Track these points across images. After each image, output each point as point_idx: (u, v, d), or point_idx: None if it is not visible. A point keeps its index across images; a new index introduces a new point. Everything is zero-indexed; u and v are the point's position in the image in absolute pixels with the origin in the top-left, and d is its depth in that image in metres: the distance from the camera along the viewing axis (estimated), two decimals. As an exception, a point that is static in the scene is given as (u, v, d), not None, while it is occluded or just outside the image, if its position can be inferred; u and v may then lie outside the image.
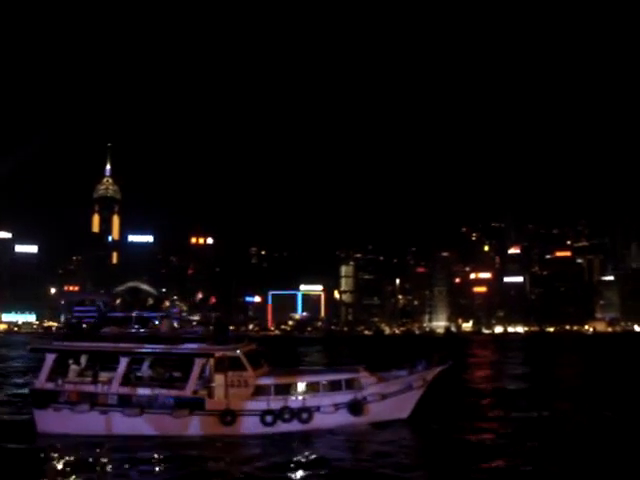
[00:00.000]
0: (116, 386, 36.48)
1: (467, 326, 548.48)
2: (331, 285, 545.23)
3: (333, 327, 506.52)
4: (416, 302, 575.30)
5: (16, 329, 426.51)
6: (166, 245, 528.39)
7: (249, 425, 35.70)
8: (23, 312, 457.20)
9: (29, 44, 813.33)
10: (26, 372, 73.33)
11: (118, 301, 42.17)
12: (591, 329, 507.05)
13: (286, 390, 36.77)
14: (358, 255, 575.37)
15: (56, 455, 32.12)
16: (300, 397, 36.52)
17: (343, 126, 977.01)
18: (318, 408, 36.33)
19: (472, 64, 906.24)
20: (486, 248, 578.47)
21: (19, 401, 47.67)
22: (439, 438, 36.22)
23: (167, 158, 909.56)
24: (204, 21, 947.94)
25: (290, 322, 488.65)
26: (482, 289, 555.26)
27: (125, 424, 35.70)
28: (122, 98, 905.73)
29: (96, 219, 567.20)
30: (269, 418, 35.71)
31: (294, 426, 35.89)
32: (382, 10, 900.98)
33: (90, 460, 31.15)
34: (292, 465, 29.63)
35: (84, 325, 40.41)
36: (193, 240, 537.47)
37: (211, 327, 41.34)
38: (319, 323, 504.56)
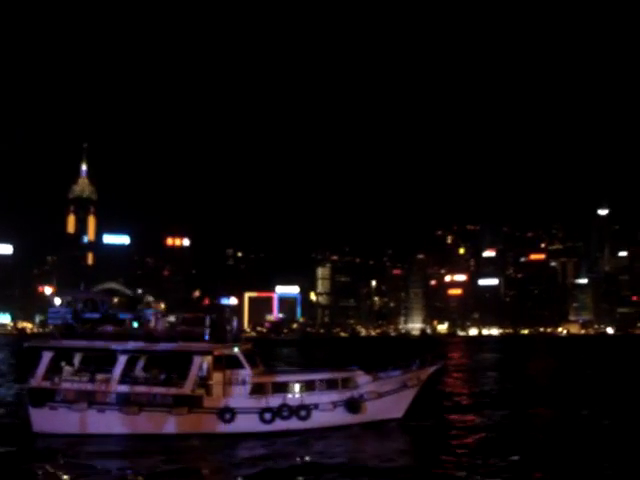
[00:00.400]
0: (114, 384, 36.28)
1: (442, 328, 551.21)
2: (307, 287, 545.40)
3: (309, 329, 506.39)
4: (392, 304, 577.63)
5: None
6: (142, 246, 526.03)
7: (248, 423, 35.77)
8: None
9: (2, 44, 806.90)
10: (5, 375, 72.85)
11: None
12: (565, 331, 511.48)
13: (284, 388, 36.91)
14: (334, 257, 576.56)
15: (53, 455, 31.71)
16: (298, 395, 36.71)
17: (320, 130, 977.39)
18: (316, 406, 36.59)
19: (446, 68, 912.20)
20: (461, 251, 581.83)
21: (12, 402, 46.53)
22: (431, 437, 36.68)
23: (144, 159, 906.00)
24: (179, 20, 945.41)
25: (266, 324, 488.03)
26: (457, 291, 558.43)
27: (123, 423, 35.61)
28: (99, 98, 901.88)
29: (71, 219, 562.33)
30: (268, 415, 35.87)
31: (292, 424, 36.11)
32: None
33: (87, 460, 30.93)
34: (290, 465, 29.72)
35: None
36: (169, 241, 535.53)
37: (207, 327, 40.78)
38: (294, 325, 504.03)
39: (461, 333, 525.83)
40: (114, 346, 37.10)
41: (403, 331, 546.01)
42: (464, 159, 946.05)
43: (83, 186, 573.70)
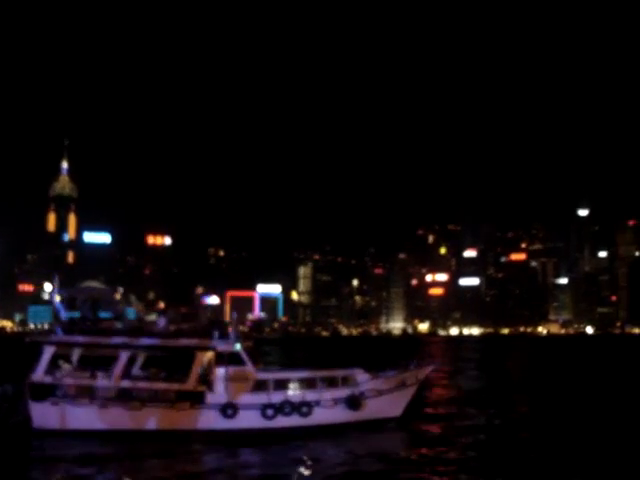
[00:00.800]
0: (116, 380, 36.02)
1: (423, 327, 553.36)
2: (289, 286, 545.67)
3: (290, 328, 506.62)
4: (373, 303, 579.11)
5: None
6: (123, 245, 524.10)
7: (250, 419, 35.88)
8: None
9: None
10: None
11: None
12: (545, 331, 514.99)
13: (285, 385, 37.02)
14: (316, 256, 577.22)
15: (55, 451, 31.57)
16: (299, 391, 36.83)
17: (301, 129, 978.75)
18: (318, 402, 36.72)
19: (424, 69, 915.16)
20: (442, 250, 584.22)
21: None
22: (427, 436, 36.98)
23: (125, 157, 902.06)
24: (160, 16, 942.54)
25: (247, 322, 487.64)
26: (438, 291, 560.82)
27: (125, 418, 35.41)
28: (80, 95, 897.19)
29: (52, 218, 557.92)
30: (270, 412, 35.96)
31: (294, 420, 36.25)
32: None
33: (90, 455, 30.77)
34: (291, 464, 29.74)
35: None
36: (150, 240, 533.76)
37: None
38: (276, 324, 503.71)
39: (442, 332, 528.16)
40: (114, 342, 37.05)
41: (384, 330, 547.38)
42: (446, 159, 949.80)
43: (64, 184, 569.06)
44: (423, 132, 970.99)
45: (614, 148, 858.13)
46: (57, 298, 38.51)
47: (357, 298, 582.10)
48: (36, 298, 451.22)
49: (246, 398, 36.14)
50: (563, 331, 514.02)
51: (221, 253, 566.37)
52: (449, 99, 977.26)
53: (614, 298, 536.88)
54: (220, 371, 36.40)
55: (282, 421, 36.10)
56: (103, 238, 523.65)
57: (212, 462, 30.70)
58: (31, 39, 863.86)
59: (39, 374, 36.42)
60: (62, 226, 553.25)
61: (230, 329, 38.67)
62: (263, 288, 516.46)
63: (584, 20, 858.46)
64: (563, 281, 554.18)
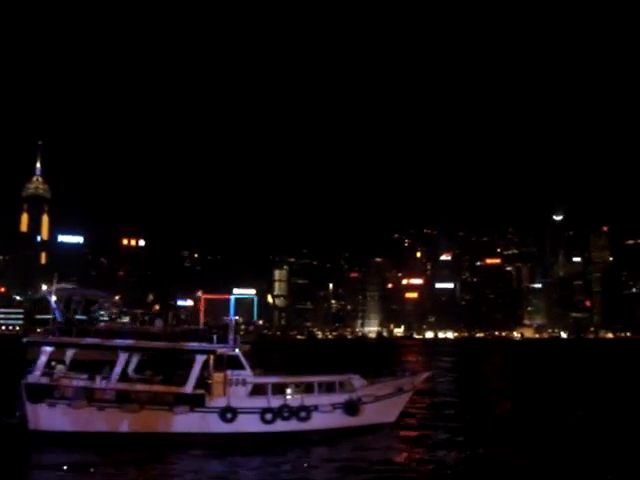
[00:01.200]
0: (114, 382, 35.70)
1: (399, 331, 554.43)
2: (264, 289, 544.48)
3: (265, 331, 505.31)
4: (349, 307, 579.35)
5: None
6: (97, 246, 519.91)
7: (249, 423, 35.65)
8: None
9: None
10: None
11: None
12: (519, 335, 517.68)
13: (283, 389, 36.95)
14: (292, 259, 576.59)
15: (50, 454, 31.15)
16: (298, 396, 36.75)
17: (277, 133, 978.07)
18: (316, 407, 36.68)
19: (400, 73, 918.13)
20: (418, 254, 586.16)
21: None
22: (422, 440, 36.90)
23: (99, 158, 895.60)
24: (135, 15, 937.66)
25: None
26: (414, 295, 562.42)
27: (124, 421, 34.98)
28: (54, 96, 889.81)
29: (25, 218, 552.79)
30: (269, 416, 35.82)
31: (293, 425, 36.12)
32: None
33: (86, 458, 30.30)
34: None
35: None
36: (124, 242, 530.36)
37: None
38: (250, 327, 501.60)
39: (417, 336, 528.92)
40: (114, 343, 36.57)
41: (360, 334, 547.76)
42: (422, 164, 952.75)
43: (37, 184, 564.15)
44: (400, 138, 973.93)
45: (589, 155, 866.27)
46: (53, 298, 38.06)
47: (333, 302, 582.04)
48: (9, 300, 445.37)
49: (245, 402, 35.89)
50: (537, 335, 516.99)
51: (196, 256, 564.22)
52: (425, 105, 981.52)
53: (588, 303, 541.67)
54: (219, 375, 36.19)
55: (281, 425, 35.92)
56: (76, 239, 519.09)
57: (210, 466, 30.46)
58: (3, 39, 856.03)
59: (36, 375, 35.86)
60: (35, 227, 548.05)
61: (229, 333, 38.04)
62: (238, 291, 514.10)
63: (565, 26, 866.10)
64: (537, 286, 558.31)
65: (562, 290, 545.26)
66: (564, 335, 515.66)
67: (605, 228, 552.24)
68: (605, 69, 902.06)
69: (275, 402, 36.11)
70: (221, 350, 36.80)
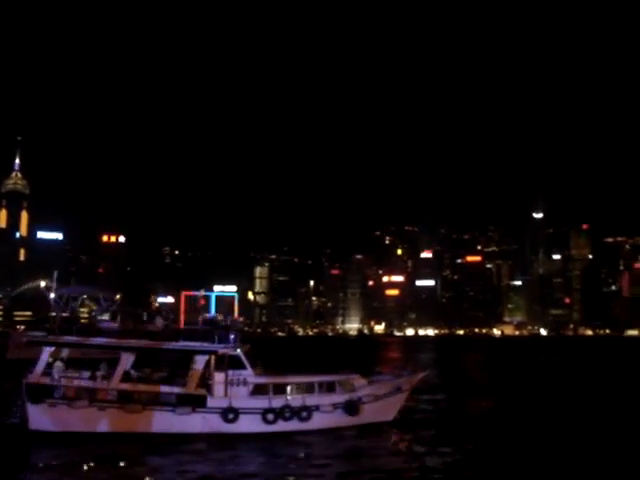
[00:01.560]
0: (116, 382, 35.36)
1: (379, 328, 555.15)
2: (245, 286, 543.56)
3: (246, 328, 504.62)
4: (330, 304, 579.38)
5: None
6: (76, 243, 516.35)
7: (251, 423, 35.57)
8: None
9: None
10: None
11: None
12: (499, 332, 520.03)
13: (284, 389, 36.91)
14: (273, 256, 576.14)
15: (51, 454, 30.62)
16: (299, 396, 36.73)
17: (258, 128, 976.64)
18: (317, 407, 36.72)
19: (381, 70, 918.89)
20: (399, 252, 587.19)
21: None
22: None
23: (79, 154, 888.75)
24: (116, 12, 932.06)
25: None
26: (394, 292, 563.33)
27: (125, 421, 34.65)
28: (33, 92, 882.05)
29: (3, 214, 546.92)
30: (270, 416, 35.74)
31: (294, 425, 36.09)
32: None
33: (87, 459, 29.80)
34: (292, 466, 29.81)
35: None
36: (104, 238, 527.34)
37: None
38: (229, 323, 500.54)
39: (398, 333, 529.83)
40: (118, 343, 36.30)
41: (340, 331, 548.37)
42: (403, 162, 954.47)
43: (16, 180, 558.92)
44: (381, 135, 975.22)
45: (569, 153, 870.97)
46: (52, 295, 37.72)
47: (313, 299, 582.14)
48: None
49: (246, 402, 35.79)
50: (517, 332, 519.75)
51: (176, 252, 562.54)
52: (406, 104, 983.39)
53: (567, 300, 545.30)
54: (220, 375, 36.03)
55: (282, 425, 35.88)
56: (56, 235, 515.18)
57: (214, 461, 30.34)
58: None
59: (36, 375, 35.47)
60: (14, 223, 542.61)
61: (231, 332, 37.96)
62: (219, 288, 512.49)
63: (543, 26, 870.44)
64: (517, 283, 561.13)
65: (542, 287, 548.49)
66: (544, 332, 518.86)
67: (585, 226, 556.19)
68: (582, 68, 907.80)
69: (276, 402, 36.03)
70: (223, 350, 36.55)
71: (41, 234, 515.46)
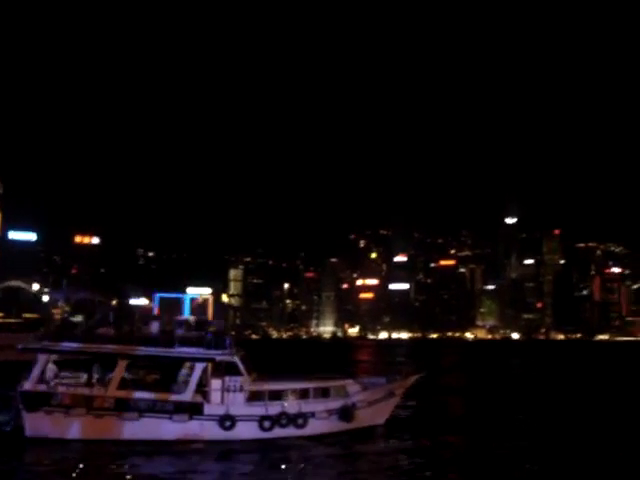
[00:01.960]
0: (113, 389, 35.24)
1: (353, 331, 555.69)
2: (219, 288, 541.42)
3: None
4: (304, 307, 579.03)
5: None
6: (50, 243, 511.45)
7: (247, 430, 35.59)
8: None
9: None
10: None
11: None
12: (472, 336, 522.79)
13: (279, 396, 37.03)
14: (247, 259, 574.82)
15: (48, 461, 30.60)
16: (295, 403, 36.87)
17: (235, 131, 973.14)
18: (313, 414, 36.92)
19: (358, 73, 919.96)
20: (373, 255, 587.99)
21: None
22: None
23: (53, 153, 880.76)
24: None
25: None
26: (368, 295, 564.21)
27: (123, 428, 34.63)
28: (4, 89, 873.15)
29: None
30: (267, 423, 35.86)
31: (290, 431, 36.28)
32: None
33: (85, 466, 29.91)
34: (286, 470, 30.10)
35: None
36: (78, 239, 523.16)
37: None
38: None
39: (371, 336, 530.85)
40: (114, 350, 36.09)
41: (315, 334, 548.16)
42: (378, 166, 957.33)
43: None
44: (355, 139, 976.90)
45: (542, 159, 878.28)
46: (45, 299, 37.58)
47: (288, 301, 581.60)
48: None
49: (243, 410, 35.88)
50: (490, 336, 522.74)
51: (150, 254, 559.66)
52: (379, 108, 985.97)
53: (539, 305, 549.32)
54: (217, 382, 36.07)
55: (278, 432, 36.09)
56: (28, 236, 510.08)
57: (212, 469, 30.82)
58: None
59: (32, 383, 35.24)
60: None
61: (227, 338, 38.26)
62: (193, 290, 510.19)
63: (516, 31, 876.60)
64: (490, 287, 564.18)
65: (514, 292, 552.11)
66: (516, 336, 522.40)
67: (557, 231, 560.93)
68: (551, 75, 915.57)
69: (273, 409, 36.22)
70: (221, 357, 36.62)
71: (13, 234, 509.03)
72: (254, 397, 36.50)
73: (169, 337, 37.57)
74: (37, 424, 34.47)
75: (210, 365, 36.51)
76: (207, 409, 35.52)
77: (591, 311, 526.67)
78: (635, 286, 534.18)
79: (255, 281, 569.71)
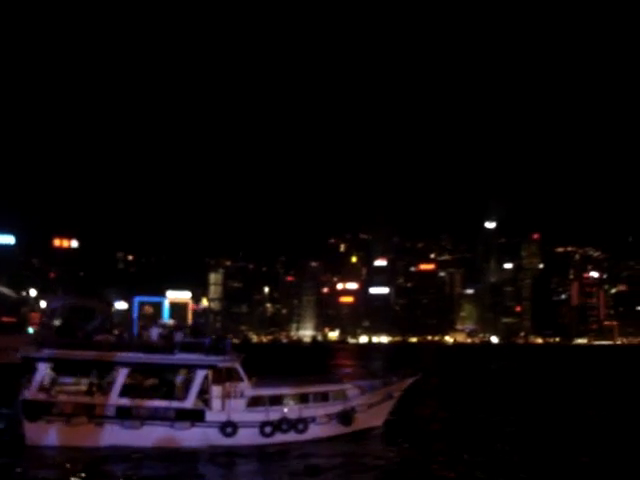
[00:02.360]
0: (115, 397, 34.85)
1: (333, 335, 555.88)
2: (199, 292, 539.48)
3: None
4: (284, 311, 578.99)
5: None
6: (28, 246, 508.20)
7: (249, 436, 35.44)
8: None
9: None
10: None
11: None
12: (451, 340, 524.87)
13: (279, 401, 36.93)
14: (227, 262, 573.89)
15: (48, 469, 30.31)
16: (295, 408, 36.76)
17: (210, 131, 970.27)
18: (313, 419, 36.82)
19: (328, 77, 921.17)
20: (354, 259, 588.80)
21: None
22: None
23: (31, 155, 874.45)
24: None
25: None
26: (349, 299, 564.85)
27: (125, 437, 34.23)
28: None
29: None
30: (268, 429, 35.70)
31: (291, 437, 36.16)
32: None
33: (87, 473, 29.80)
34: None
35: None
36: (57, 242, 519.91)
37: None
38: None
39: (351, 340, 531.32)
40: (115, 359, 35.74)
41: (295, 338, 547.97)
42: (358, 169, 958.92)
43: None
44: (334, 142, 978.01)
45: (521, 164, 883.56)
46: (43, 305, 37.15)
47: (268, 305, 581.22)
48: None
49: (244, 416, 35.74)
50: (469, 340, 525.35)
51: (130, 257, 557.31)
52: (359, 112, 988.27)
53: (518, 309, 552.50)
54: (218, 388, 35.83)
55: (279, 437, 35.95)
56: (7, 239, 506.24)
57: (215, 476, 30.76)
58: None
59: (32, 391, 34.73)
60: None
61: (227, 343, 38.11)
62: (173, 294, 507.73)
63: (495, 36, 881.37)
64: (470, 291, 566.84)
65: (493, 296, 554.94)
66: (495, 340, 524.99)
67: (536, 236, 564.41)
68: (532, 80, 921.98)
69: (274, 415, 36.08)
70: (222, 364, 36.40)
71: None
72: (255, 403, 36.44)
73: (169, 343, 37.24)
74: (38, 433, 34.21)
75: (211, 372, 36.24)
76: (209, 416, 35.37)
77: (569, 315, 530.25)
78: (613, 290, 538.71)
79: (235, 285, 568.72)
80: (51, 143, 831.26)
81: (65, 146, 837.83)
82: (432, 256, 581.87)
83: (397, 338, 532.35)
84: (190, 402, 35.52)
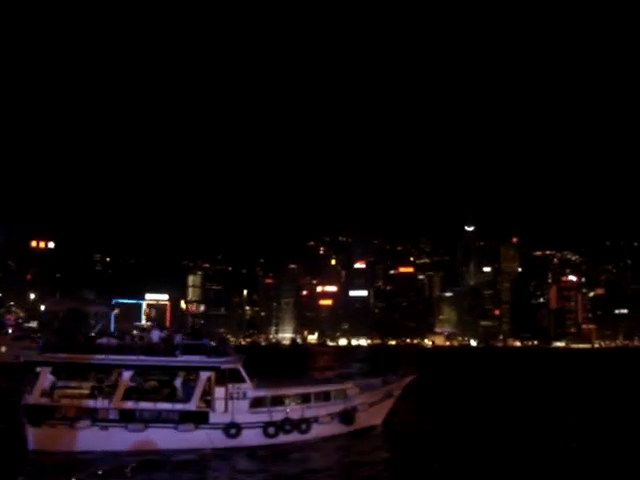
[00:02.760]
0: (118, 401, 34.67)
1: (312, 338, 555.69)
2: (178, 295, 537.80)
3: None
4: (263, 313, 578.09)
5: None
6: (4, 248, 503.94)
7: (252, 437, 35.60)
8: None
9: None
10: None
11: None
12: (430, 343, 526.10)
13: (281, 401, 37.03)
14: (206, 265, 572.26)
15: (50, 474, 29.87)
16: (298, 408, 36.93)
17: (192, 133, 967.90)
18: (316, 419, 37.10)
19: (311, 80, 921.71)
20: (333, 262, 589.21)
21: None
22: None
23: (7, 156, 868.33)
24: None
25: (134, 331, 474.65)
26: (328, 302, 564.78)
27: (129, 440, 34.07)
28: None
29: None
30: (271, 430, 35.85)
31: (293, 437, 36.39)
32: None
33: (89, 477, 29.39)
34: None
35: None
36: (33, 244, 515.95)
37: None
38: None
39: (331, 343, 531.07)
40: (118, 361, 35.61)
41: (274, 340, 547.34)
42: (337, 172, 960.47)
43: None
44: (314, 146, 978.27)
45: (500, 169, 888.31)
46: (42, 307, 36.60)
47: (247, 308, 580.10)
48: None
49: (247, 417, 35.82)
50: (448, 343, 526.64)
51: (108, 259, 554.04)
52: (340, 115, 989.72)
53: (497, 312, 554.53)
54: (221, 390, 35.94)
55: (282, 438, 36.20)
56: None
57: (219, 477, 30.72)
58: None
59: (35, 396, 34.41)
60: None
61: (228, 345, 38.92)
62: (151, 296, 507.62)
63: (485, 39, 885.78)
64: (449, 294, 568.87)
65: (472, 299, 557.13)
66: (474, 343, 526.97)
67: (515, 239, 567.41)
68: (510, 85, 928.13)
69: (276, 415, 36.23)
70: (225, 365, 36.49)
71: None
72: (257, 404, 36.51)
73: (170, 345, 37.29)
74: (41, 438, 33.83)
75: (214, 373, 36.33)
76: (212, 418, 35.40)
77: (548, 318, 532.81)
78: (591, 294, 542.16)
79: (214, 287, 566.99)
80: (28, 145, 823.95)
81: (43, 147, 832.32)
82: (411, 259, 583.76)
83: (376, 341, 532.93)
84: (194, 404, 35.52)
